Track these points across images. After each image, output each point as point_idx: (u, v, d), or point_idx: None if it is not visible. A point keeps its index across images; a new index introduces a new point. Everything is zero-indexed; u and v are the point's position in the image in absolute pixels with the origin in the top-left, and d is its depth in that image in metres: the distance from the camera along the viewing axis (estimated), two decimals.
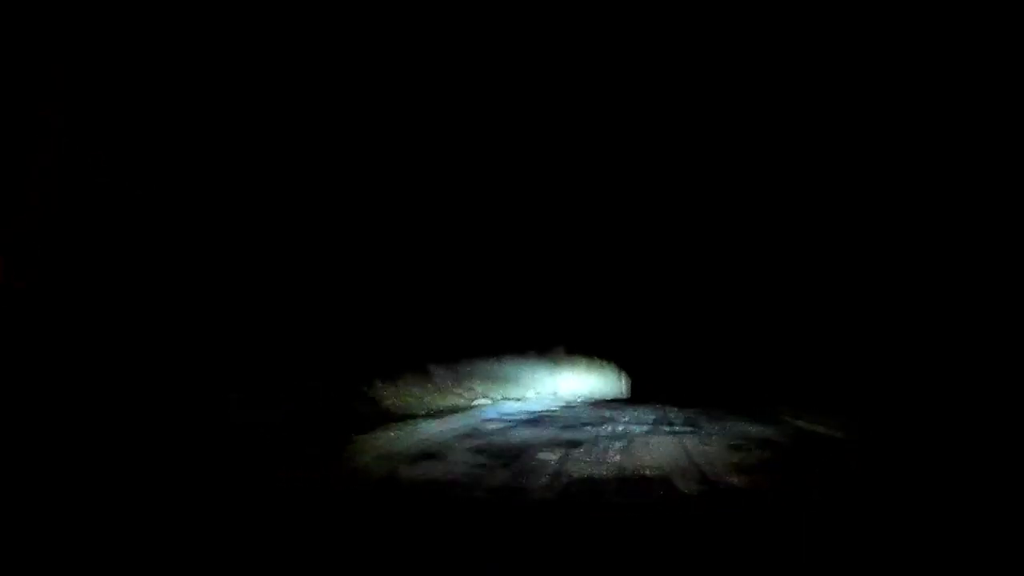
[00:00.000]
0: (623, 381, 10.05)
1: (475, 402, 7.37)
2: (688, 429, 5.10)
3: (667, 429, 5.07)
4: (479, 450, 3.71)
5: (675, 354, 9.88)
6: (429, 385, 7.60)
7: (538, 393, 9.25)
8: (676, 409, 7.20)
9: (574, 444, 4.04)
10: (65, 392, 3.21)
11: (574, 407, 7.63)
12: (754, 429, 5.15)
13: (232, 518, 2.27)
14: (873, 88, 7.13)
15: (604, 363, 10.15)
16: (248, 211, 5.35)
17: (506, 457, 3.50)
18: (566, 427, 5.05)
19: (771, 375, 8.91)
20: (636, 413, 6.58)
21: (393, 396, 5.99)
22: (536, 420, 5.61)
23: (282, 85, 5.70)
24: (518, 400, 8.45)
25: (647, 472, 3.20)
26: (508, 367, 9.26)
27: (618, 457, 3.60)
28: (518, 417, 5.91)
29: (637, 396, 9.59)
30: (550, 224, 9.39)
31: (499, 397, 8.26)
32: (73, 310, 3.63)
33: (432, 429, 4.63)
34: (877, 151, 7.41)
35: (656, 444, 4.15)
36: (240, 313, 5.06)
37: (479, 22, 6.99)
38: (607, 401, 9.02)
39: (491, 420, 5.50)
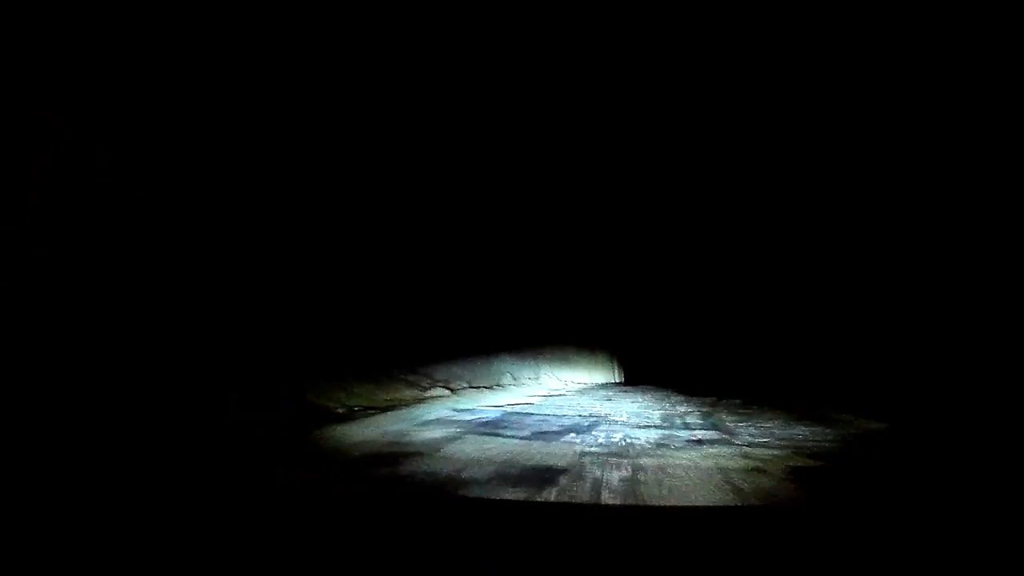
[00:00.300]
0: (615, 365, 8.48)
1: (428, 394, 5.75)
2: (714, 435, 3.57)
3: (685, 436, 3.51)
4: None
5: (672, 331, 8.41)
6: (383, 378, 5.98)
7: (515, 378, 7.66)
8: (683, 399, 5.72)
9: (543, 478, 2.45)
10: (65, 392, 3.14)
11: (556, 397, 6.07)
12: (800, 432, 3.66)
13: (233, 518, 1.94)
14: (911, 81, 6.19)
15: (593, 343, 8.55)
16: (247, 211, 5.14)
17: None
18: (537, 435, 3.47)
19: (776, 350, 7.53)
20: (635, 407, 5.02)
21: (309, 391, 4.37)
22: (498, 422, 4.03)
23: (280, 87, 5.46)
24: (489, 388, 6.87)
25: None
26: (489, 358, 7.66)
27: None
28: (476, 416, 4.32)
29: (632, 380, 8.15)
30: (527, 197, 7.99)
31: (463, 385, 6.65)
32: (73, 310, 3.52)
33: (340, 442, 3.02)
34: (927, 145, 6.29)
35: (679, 472, 2.57)
36: (239, 313, 4.83)
37: (469, 22, 6.44)
38: (598, 387, 7.50)
39: (433, 423, 3.91)
